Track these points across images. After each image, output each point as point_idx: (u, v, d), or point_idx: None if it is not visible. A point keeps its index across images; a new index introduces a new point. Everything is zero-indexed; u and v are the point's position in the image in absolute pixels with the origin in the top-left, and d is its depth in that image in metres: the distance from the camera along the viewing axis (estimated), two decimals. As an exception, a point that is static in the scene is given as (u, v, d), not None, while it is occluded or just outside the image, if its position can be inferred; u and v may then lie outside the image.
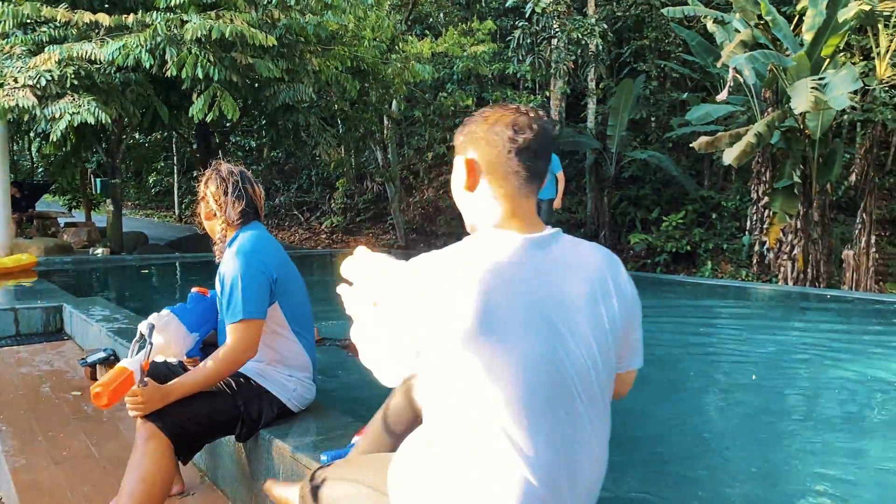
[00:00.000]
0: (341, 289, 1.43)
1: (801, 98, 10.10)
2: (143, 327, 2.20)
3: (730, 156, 10.67)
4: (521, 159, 1.27)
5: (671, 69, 14.59)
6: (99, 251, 10.30)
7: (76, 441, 3.07)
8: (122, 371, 2.02)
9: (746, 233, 12.31)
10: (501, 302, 1.17)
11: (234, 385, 2.30)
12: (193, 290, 2.53)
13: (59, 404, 3.55)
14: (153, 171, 22.22)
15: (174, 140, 18.79)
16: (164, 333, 2.25)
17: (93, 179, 15.71)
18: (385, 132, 14.72)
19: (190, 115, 8.06)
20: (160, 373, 2.37)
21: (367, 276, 1.45)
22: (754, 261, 11.59)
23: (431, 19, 16.66)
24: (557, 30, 13.69)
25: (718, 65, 12.70)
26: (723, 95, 12.50)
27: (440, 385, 1.21)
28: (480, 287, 1.16)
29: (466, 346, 1.15)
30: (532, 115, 1.29)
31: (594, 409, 1.25)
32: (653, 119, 14.91)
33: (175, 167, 21.50)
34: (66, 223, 13.07)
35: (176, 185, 22.09)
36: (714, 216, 13.30)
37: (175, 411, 2.12)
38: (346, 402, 3.20)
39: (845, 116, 11.84)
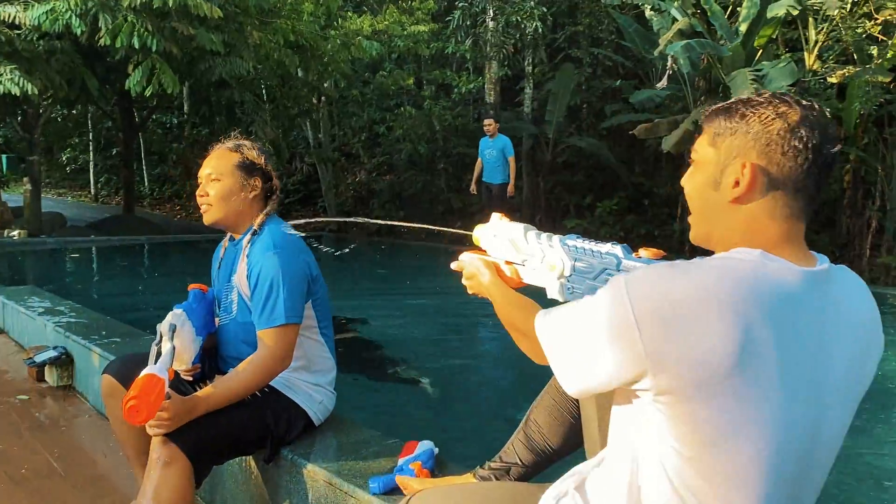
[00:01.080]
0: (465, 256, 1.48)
1: (742, 90, 10.31)
2: (164, 328, 1.90)
3: (669, 142, 10.83)
4: (818, 174, 1.04)
5: (605, 56, 14.69)
6: (15, 233, 9.53)
7: (34, 455, 2.70)
8: (154, 380, 1.70)
9: (678, 220, 12.56)
10: (769, 341, 0.93)
11: (261, 397, 2.01)
12: (192, 287, 2.21)
13: (5, 411, 3.14)
14: (68, 147, 20.93)
15: (90, 115, 17.70)
16: (180, 337, 1.95)
17: (-2, 155, 14.60)
18: (319, 111, 14.26)
19: (126, 87, 7.46)
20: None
21: (503, 245, 1.41)
22: (686, 247, 11.85)
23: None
24: (496, 12, 13.55)
25: (656, 53, 12.84)
26: (662, 83, 12.68)
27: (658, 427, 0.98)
28: (746, 319, 0.92)
29: (717, 383, 0.92)
30: (822, 113, 1.04)
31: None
32: (584, 105, 14.99)
33: (91, 144, 20.30)
34: (-27, 202, 12.07)
35: (92, 162, 20.88)
36: (647, 202, 13.51)
37: (198, 429, 1.81)
38: (364, 411, 2.95)
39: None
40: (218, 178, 2.08)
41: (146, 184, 20.21)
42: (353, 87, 14.02)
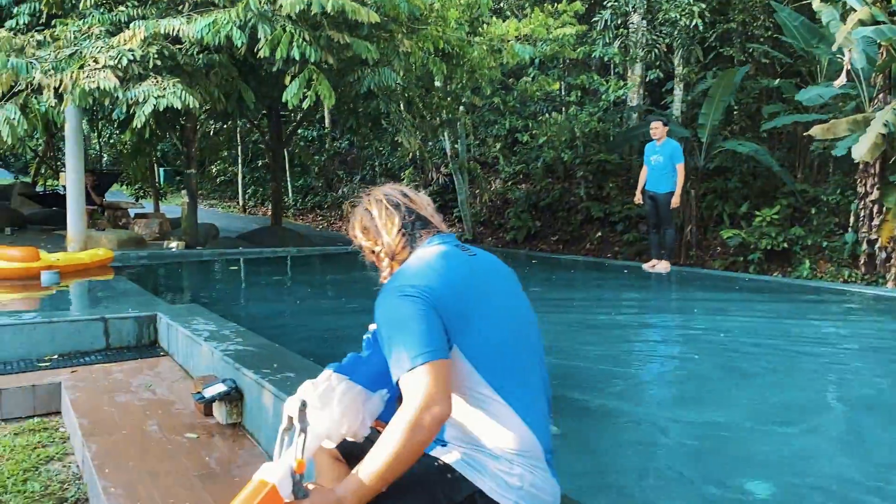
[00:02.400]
0: None
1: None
2: (289, 408, 1.49)
3: (859, 150, 9.66)
4: None
5: (761, 53, 13.57)
6: (173, 245, 9.79)
7: (207, 512, 2.40)
8: (263, 486, 1.32)
9: (850, 230, 11.36)
10: None
11: (433, 480, 1.56)
12: (371, 327, 1.79)
13: (174, 452, 2.88)
14: (219, 160, 21.99)
15: (239, 128, 18.41)
16: (330, 407, 1.55)
17: (156, 169, 15.32)
18: (462, 119, 14.01)
19: (283, 100, 7.39)
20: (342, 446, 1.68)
21: None
22: (861, 261, 10.66)
23: (503, 2, 15.85)
24: (647, 10, 12.80)
25: (834, 48, 11.68)
26: (840, 80, 11.48)
27: None
28: None
29: None
30: None
31: None
32: (735, 108, 13.91)
33: (239, 156, 21.21)
34: (136, 214, 12.66)
35: (240, 174, 21.81)
36: (813, 211, 12.30)
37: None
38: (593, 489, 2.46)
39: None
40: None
41: (290, 195, 20.80)
42: (496, 94, 13.66)
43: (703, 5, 12.58)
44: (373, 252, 1.85)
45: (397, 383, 1.52)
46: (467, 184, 15.40)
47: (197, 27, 6.87)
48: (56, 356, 4.27)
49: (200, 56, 7.71)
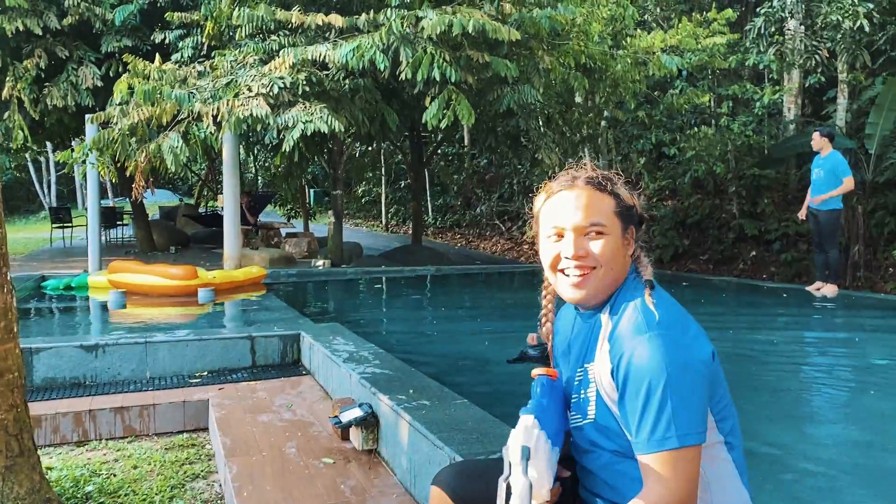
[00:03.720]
0: None
1: None
2: (512, 454, 1.33)
3: None
4: None
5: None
6: (320, 263, 10.15)
7: (341, 544, 2.34)
8: None
9: None
10: None
11: None
12: (538, 371, 1.61)
13: (310, 477, 2.87)
14: (364, 180, 22.82)
15: (382, 150, 18.99)
16: (536, 462, 1.37)
17: (307, 190, 16.04)
18: (604, 134, 13.66)
19: (423, 121, 7.48)
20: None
21: None
22: None
23: (647, 14, 15.35)
24: (806, 13, 11.92)
25: None
26: None
27: None
28: None
29: None
30: None
31: None
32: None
33: (383, 177, 21.88)
34: (287, 233, 13.28)
35: (383, 194, 22.49)
36: None
37: None
38: None
39: None
40: (602, 229, 1.46)
41: (430, 213, 21.16)
42: (641, 108, 13.20)
43: (871, 5, 11.55)
44: (617, 250, 1.45)
45: (615, 452, 1.38)
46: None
47: (342, 52, 7.08)
48: (206, 373, 4.45)
49: (346, 81, 7.95)
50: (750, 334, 6.20)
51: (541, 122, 11.78)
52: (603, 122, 13.42)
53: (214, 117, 7.33)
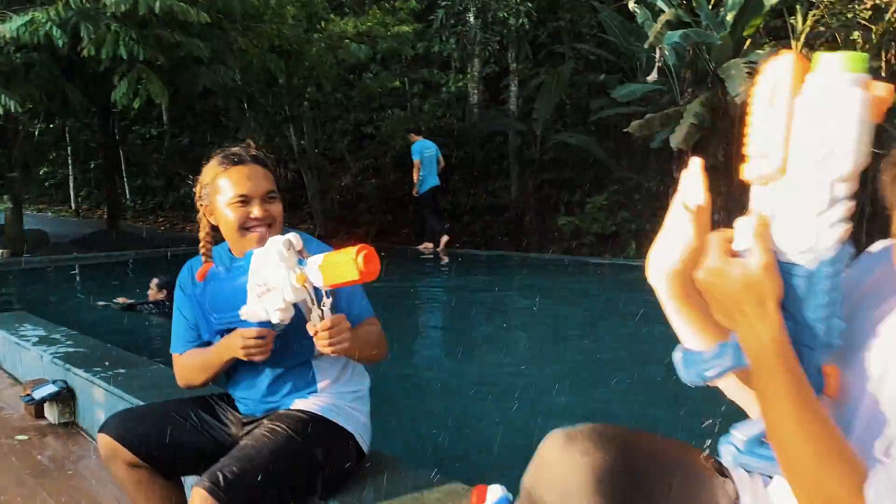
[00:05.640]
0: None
1: (737, 81, 10.24)
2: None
3: (676, 138, 10.77)
4: None
5: (588, 51, 14.60)
6: (-3, 253, 9.23)
7: (40, 505, 2.49)
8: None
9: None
10: None
11: (309, 432, 1.75)
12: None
13: (3, 455, 2.92)
14: (45, 161, 20.54)
15: (67, 128, 17.35)
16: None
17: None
18: (304, 116, 14.01)
19: (112, 100, 7.19)
20: None
21: None
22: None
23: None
24: (479, 9, 13.41)
25: (646, 45, 12.75)
26: (652, 76, 12.58)
27: None
28: None
29: None
30: None
31: None
32: (567, 102, 14.88)
33: (70, 157, 19.93)
34: (-49, 222, 11.71)
35: (71, 176, 20.51)
36: (637, 197, 13.41)
37: (243, 479, 1.56)
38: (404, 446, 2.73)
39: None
40: (276, 195, 1.87)
41: (128, 196, 19.86)
42: (338, 90, 13.78)
43: (531, 4, 13.36)
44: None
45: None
46: (317, 179, 15.40)
47: (12, 26, 6.56)
48: None
49: (18, 55, 7.33)
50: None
51: (245, 103, 11.79)
52: (305, 104, 13.78)
53: None
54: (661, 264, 0.95)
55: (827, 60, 0.78)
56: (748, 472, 1.01)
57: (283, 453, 1.68)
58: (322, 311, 1.57)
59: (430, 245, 10.65)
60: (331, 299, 1.57)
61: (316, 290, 1.56)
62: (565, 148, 13.94)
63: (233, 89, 10.18)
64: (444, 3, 13.31)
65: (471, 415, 3.39)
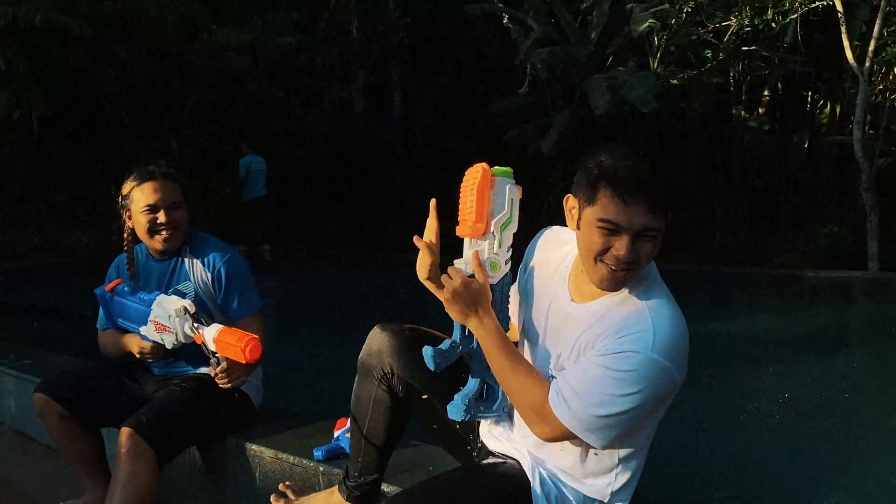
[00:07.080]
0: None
1: (598, 95, 11.24)
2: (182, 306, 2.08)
3: (547, 145, 11.72)
4: None
5: (467, 62, 15.36)
6: None
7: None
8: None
9: (544, 217, 13.42)
10: None
11: (214, 390, 2.15)
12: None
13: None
14: None
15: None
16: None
17: None
18: (187, 123, 13.94)
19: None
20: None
21: None
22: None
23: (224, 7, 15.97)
24: (360, 22, 13.91)
25: (517, 61, 13.64)
26: (524, 89, 13.45)
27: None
28: None
29: None
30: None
31: None
32: (450, 110, 15.52)
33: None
34: None
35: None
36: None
37: (163, 422, 2.04)
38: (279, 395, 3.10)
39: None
40: (181, 205, 2.31)
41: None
42: (222, 98, 13.84)
43: (408, 20, 13.97)
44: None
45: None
46: (199, 188, 15.25)
47: None
48: None
49: None
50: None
51: (125, 109, 11.58)
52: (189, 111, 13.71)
53: None
54: (420, 275, 1.51)
55: (498, 170, 1.48)
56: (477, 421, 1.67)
57: (189, 404, 2.16)
58: (218, 358, 2.03)
59: (269, 247, 11.57)
60: (224, 363, 2.04)
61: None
62: (447, 154, 14.58)
63: (114, 95, 10.14)
64: (326, 16, 13.69)
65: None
